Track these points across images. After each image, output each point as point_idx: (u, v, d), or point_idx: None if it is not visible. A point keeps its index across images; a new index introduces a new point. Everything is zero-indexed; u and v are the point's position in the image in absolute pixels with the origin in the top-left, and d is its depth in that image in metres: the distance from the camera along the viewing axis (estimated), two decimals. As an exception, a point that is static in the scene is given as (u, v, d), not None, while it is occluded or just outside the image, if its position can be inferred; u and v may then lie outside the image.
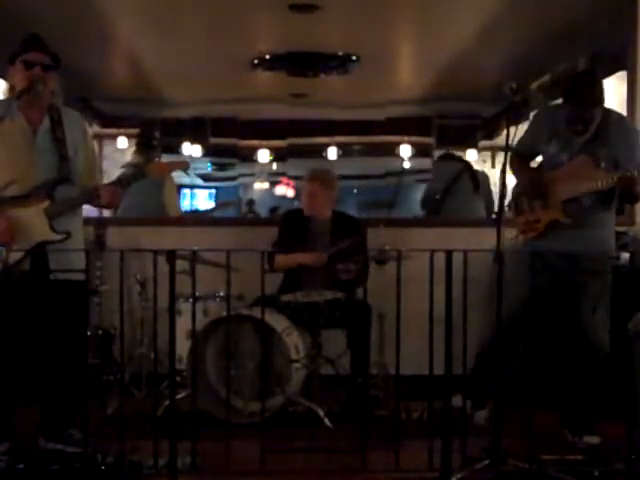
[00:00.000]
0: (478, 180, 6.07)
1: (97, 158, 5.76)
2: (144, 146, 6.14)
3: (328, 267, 4.50)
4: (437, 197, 6.04)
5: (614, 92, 5.85)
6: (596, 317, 3.95)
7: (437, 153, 8.15)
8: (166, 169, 4.23)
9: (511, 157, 4.24)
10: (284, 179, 9.91)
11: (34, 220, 3.60)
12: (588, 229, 3.94)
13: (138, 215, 5.51)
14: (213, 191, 10.12)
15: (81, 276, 3.62)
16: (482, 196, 6.00)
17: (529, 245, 3.98)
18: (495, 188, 5.48)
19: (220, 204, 8.53)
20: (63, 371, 3.69)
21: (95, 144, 7.44)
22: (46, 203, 3.62)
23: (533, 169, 4.17)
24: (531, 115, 4.20)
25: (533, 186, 4.03)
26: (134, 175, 3.82)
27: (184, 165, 4.27)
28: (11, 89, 3.72)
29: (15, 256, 3.56)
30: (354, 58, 6.97)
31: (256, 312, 4.11)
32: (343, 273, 4.48)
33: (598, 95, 3.86)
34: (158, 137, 6.77)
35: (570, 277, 3.94)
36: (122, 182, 3.79)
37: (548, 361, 4.19)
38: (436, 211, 6.02)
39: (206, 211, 8.82)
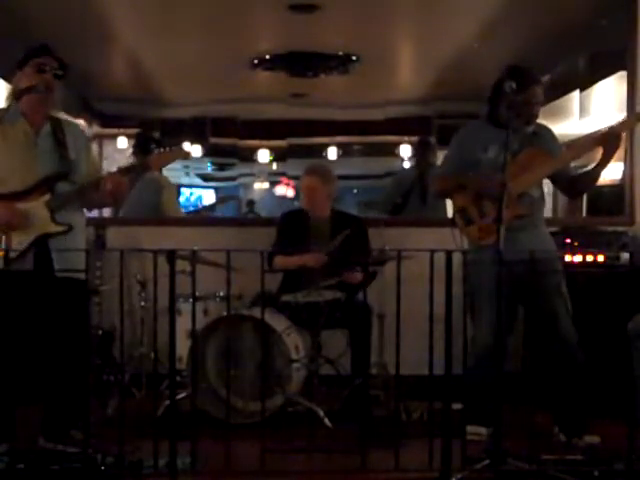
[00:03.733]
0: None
1: (100, 166, 5.74)
2: (141, 148, 6.12)
3: (329, 267, 4.50)
4: (398, 201, 6.12)
5: (614, 92, 5.85)
6: (569, 317, 3.94)
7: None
8: (167, 158, 4.20)
9: (439, 180, 4.25)
10: (284, 179, 9.88)
11: (35, 213, 3.60)
12: (538, 227, 4.03)
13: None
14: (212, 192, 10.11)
15: (83, 274, 3.61)
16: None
17: (491, 251, 3.57)
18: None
19: (221, 199, 8.50)
20: (67, 371, 3.69)
21: (95, 144, 7.46)
22: (47, 196, 3.62)
23: (466, 175, 4.05)
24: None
25: (479, 188, 3.92)
26: (134, 165, 3.80)
27: (185, 154, 4.24)
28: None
29: (17, 248, 3.55)
30: (354, 58, 6.96)
31: (256, 312, 4.11)
32: (352, 278, 4.49)
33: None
34: (157, 139, 6.73)
35: (539, 279, 3.80)
36: (122, 171, 3.77)
37: (536, 363, 4.15)
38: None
39: (207, 206, 8.79)
